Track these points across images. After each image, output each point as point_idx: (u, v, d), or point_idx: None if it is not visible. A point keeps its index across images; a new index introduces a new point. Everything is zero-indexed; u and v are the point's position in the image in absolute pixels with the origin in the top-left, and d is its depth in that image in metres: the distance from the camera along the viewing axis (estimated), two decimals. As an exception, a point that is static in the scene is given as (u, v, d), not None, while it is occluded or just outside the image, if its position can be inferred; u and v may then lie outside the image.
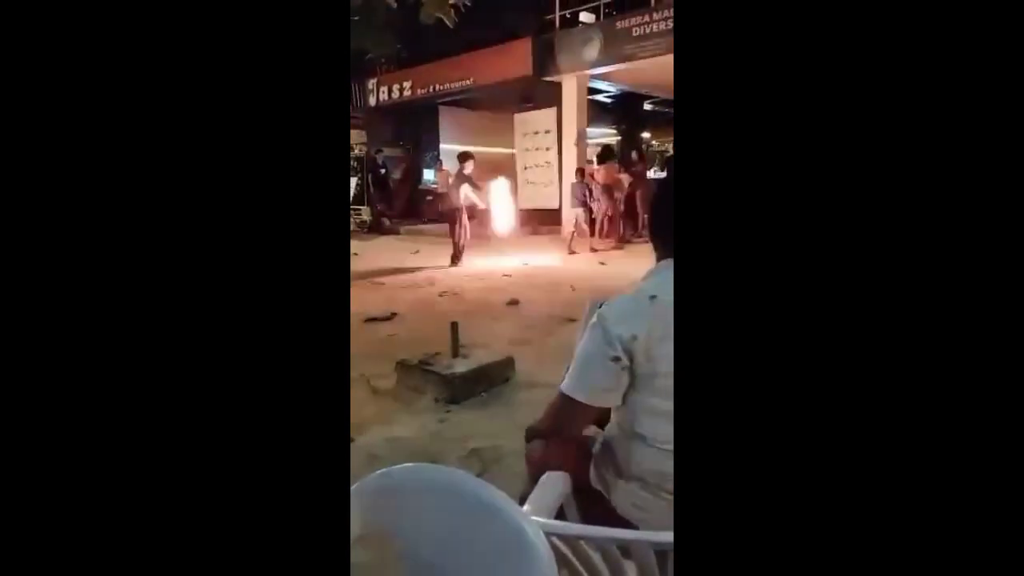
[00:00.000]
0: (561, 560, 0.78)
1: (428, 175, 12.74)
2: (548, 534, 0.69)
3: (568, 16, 9.52)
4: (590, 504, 1.06)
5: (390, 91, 11.77)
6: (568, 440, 1.20)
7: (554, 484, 1.01)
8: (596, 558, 0.81)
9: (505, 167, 9.80)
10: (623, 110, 11.74)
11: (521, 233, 9.32)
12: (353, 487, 0.69)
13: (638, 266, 1.25)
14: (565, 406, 1.05)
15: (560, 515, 1.00)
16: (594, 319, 1.02)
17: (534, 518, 0.72)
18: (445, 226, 7.36)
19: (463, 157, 6.95)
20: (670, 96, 9.97)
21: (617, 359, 0.97)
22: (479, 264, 6.87)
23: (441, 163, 12.27)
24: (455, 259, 6.85)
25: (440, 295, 5.20)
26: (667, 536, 0.77)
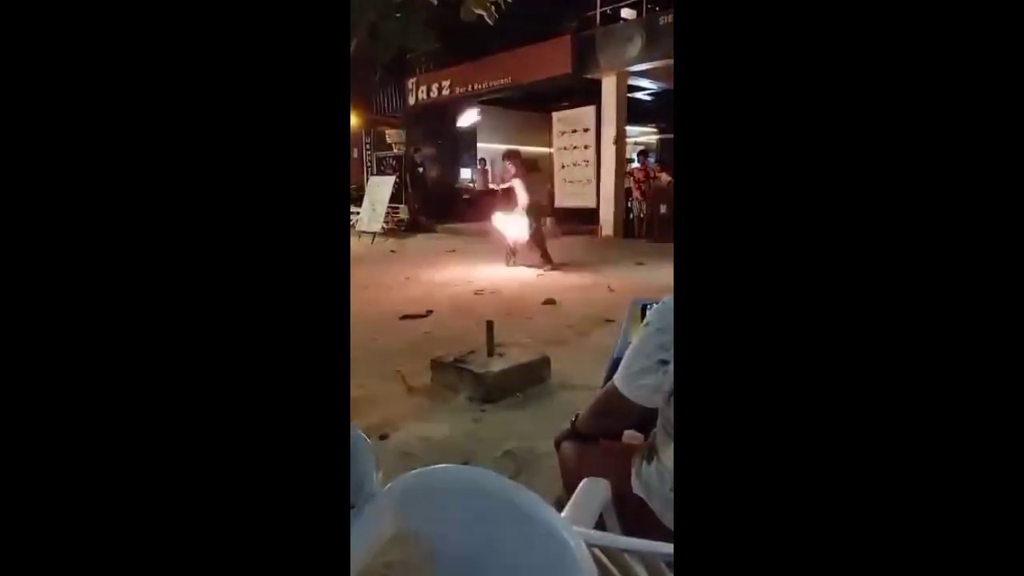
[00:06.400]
0: (603, 573, 0.74)
1: (465, 174, 12.81)
2: (590, 545, 0.65)
3: (609, 12, 9.39)
4: (631, 512, 1.02)
5: (428, 90, 11.85)
6: (606, 445, 1.17)
7: (594, 491, 0.98)
8: (640, 571, 0.77)
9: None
10: (664, 108, 11.54)
11: (556, 233, 9.25)
12: (388, 486, 0.68)
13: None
14: (613, 399, 1.04)
15: (599, 524, 0.97)
16: (647, 319, 1.01)
17: (576, 528, 0.69)
18: (481, 224, 7.22)
19: (512, 155, 6.54)
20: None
21: (665, 362, 0.95)
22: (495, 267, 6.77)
23: (485, 161, 12.26)
24: (547, 258, 6.35)
25: (476, 293, 5.20)
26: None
